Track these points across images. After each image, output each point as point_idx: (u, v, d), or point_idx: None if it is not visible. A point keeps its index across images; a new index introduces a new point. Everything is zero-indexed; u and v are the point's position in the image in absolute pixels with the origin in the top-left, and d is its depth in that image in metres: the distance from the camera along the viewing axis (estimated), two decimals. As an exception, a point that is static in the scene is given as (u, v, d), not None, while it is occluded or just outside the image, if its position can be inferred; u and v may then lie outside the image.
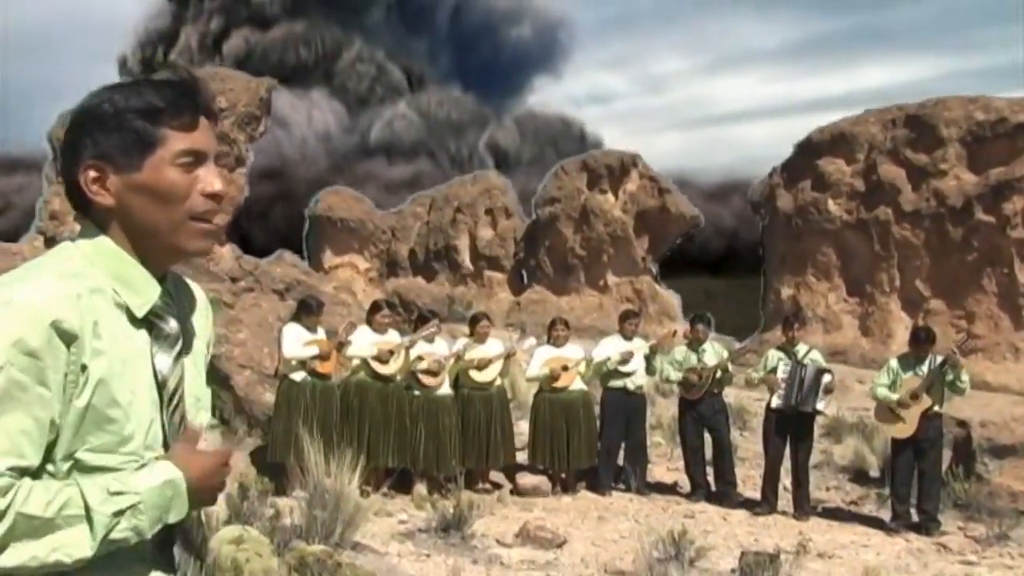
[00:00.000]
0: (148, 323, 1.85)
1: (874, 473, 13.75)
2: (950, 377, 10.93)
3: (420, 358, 11.36)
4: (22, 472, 1.69)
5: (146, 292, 1.84)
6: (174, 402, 1.90)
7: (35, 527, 1.66)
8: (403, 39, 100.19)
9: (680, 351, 12.55)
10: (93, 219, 1.85)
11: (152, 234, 1.84)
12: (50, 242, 27.49)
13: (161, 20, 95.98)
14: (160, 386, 1.87)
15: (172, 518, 1.81)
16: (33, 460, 1.71)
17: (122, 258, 1.83)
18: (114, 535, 1.72)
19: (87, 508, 1.70)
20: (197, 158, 1.86)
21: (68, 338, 1.71)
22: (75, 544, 1.69)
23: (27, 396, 1.69)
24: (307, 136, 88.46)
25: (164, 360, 1.88)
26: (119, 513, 1.73)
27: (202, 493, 1.86)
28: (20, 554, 1.66)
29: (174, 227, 1.84)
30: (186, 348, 1.94)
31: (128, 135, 1.81)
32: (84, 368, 1.75)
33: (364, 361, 11.18)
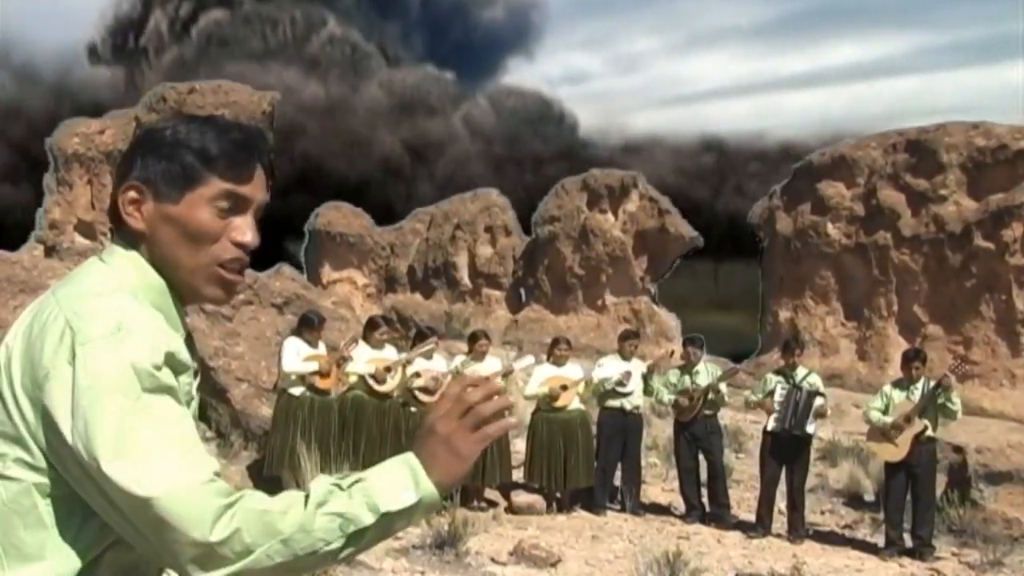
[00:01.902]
0: None
1: (869, 497, 13.76)
2: (941, 400, 10.95)
3: (417, 375, 11.37)
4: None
5: (179, 327, 1.83)
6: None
7: (268, 525, 1.59)
8: (375, 21, 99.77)
9: (674, 373, 12.57)
10: (124, 239, 1.83)
11: (173, 269, 1.81)
12: (49, 251, 27.51)
13: (130, 5, 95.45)
14: None
15: (416, 495, 1.67)
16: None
17: (165, 292, 1.81)
18: (337, 507, 1.62)
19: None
20: (237, 205, 1.82)
21: (181, 369, 1.70)
22: (301, 514, 1.61)
23: (176, 403, 1.67)
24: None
25: (192, 405, 1.84)
26: (336, 486, 1.65)
27: (439, 460, 1.71)
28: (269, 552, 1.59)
29: (195, 268, 1.81)
30: None
31: (176, 167, 1.79)
32: (192, 399, 1.76)
33: (361, 377, 11.19)
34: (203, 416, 13.11)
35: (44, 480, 1.66)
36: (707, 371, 12.45)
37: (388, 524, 1.66)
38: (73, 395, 1.60)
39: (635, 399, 12.33)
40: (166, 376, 1.65)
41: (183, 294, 1.85)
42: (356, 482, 1.65)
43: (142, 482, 1.56)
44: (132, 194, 1.80)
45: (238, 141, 1.83)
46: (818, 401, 11.59)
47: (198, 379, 1.89)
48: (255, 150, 1.85)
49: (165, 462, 1.58)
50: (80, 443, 1.58)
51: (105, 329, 1.64)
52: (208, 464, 1.63)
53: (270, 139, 1.88)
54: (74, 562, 1.66)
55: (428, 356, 11.52)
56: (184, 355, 1.72)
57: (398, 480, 1.68)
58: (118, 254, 1.81)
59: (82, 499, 1.65)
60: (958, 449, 12.91)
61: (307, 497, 1.63)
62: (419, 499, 1.67)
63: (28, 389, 1.65)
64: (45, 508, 1.66)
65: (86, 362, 1.60)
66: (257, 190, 1.86)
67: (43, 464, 1.65)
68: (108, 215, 1.88)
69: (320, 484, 1.65)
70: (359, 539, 1.64)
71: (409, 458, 1.70)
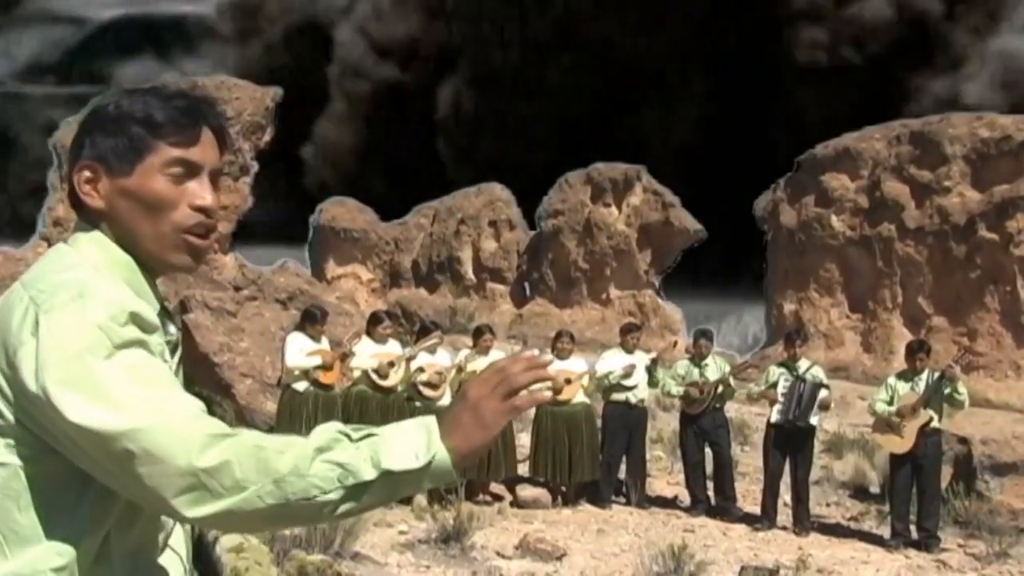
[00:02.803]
0: None
1: (874, 489, 13.74)
2: (948, 390, 10.93)
3: (421, 369, 11.37)
4: None
5: (153, 301, 1.82)
6: None
7: (263, 462, 1.57)
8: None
9: (683, 365, 12.55)
10: (86, 221, 1.84)
11: (137, 242, 1.81)
12: (54, 249, 27.54)
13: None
14: None
15: (424, 462, 1.62)
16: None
17: (132, 267, 1.81)
18: (339, 457, 1.59)
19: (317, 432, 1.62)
20: (189, 170, 1.82)
21: (150, 328, 1.70)
22: (303, 456, 1.58)
23: (150, 355, 1.67)
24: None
25: (168, 366, 1.84)
26: (344, 436, 1.61)
27: (464, 431, 1.66)
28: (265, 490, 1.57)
29: (157, 237, 1.81)
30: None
31: (123, 140, 1.79)
32: (165, 361, 1.75)
33: (365, 373, 11.19)
34: (208, 411, 13.13)
35: (32, 462, 1.66)
36: (716, 364, 12.44)
37: (393, 485, 1.63)
38: (38, 361, 1.60)
39: (640, 392, 12.31)
40: (133, 331, 1.65)
41: (151, 266, 1.84)
42: (367, 436, 1.62)
43: (120, 418, 1.56)
44: (86, 173, 1.81)
45: (182, 107, 1.84)
46: (822, 393, 11.58)
47: (179, 353, 1.89)
48: (200, 114, 1.86)
49: (145, 397, 1.59)
50: (56, 404, 1.58)
51: (67, 297, 1.65)
52: (194, 401, 1.63)
53: (218, 107, 1.88)
54: (74, 541, 1.66)
55: (432, 351, 11.52)
56: (151, 316, 1.71)
57: (410, 440, 1.63)
58: (81, 237, 1.82)
59: (73, 477, 1.65)
60: (963, 440, 12.90)
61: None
62: (428, 462, 1.63)
63: (4, 370, 1.65)
64: (36, 490, 1.66)
65: (50, 329, 1.61)
66: (207, 153, 1.85)
67: (29, 445, 1.65)
68: (68, 200, 1.88)
69: (326, 430, 1.63)
70: (359, 494, 1.61)
71: (428, 420, 1.67)
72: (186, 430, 1.57)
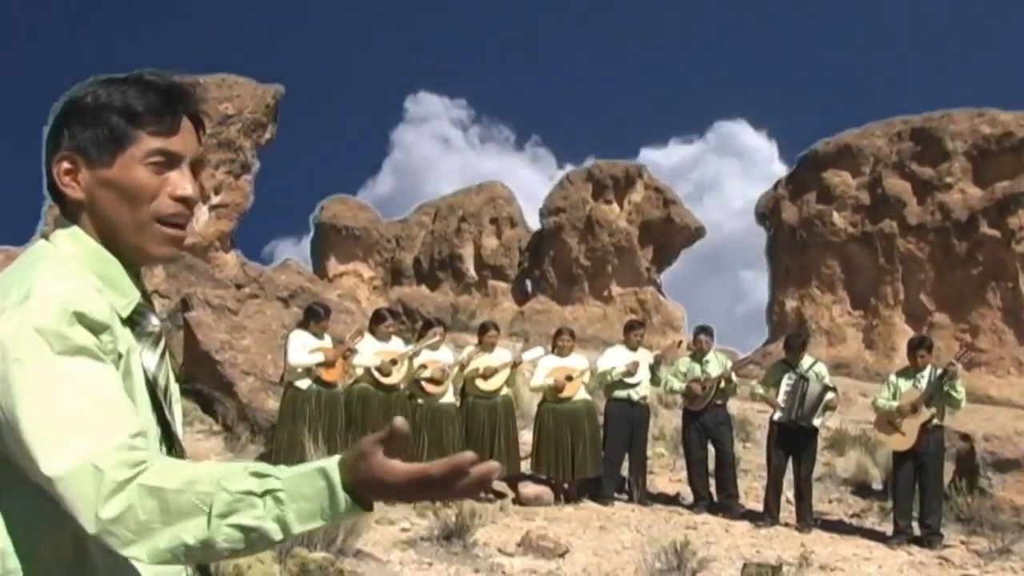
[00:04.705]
0: (131, 322, 1.82)
1: (877, 486, 13.74)
2: (947, 388, 10.92)
3: (424, 366, 11.38)
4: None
5: (129, 292, 1.81)
6: (168, 399, 1.87)
7: (163, 503, 1.54)
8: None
9: (684, 362, 12.56)
10: (66, 213, 1.83)
11: (117, 232, 1.80)
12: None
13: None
14: (152, 384, 1.83)
15: (330, 517, 1.58)
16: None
17: (106, 258, 1.80)
18: (247, 520, 1.54)
19: (218, 482, 1.56)
20: (170, 160, 1.82)
21: (98, 328, 1.67)
22: (196, 526, 1.54)
23: (95, 361, 1.64)
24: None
25: (151, 358, 1.84)
26: (249, 494, 1.55)
27: (374, 495, 1.59)
28: (160, 539, 1.54)
29: (138, 227, 1.80)
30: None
31: (102, 131, 1.79)
32: (120, 357, 1.72)
33: (367, 370, 11.20)
34: (210, 409, 13.14)
35: None
36: (717, 360, 12.44)
37: (304, 533, 1.59)
38: None
39: (642, 389, 12.31)
40: (78, 335, 1.63)
41: (131, 257, 1.84)
42: (269, 492, 1.55)
43: (47, 460, 1.55)
44: (65, 164, 1.80)
45: (162, 94, 1.82)
46: (829, 395, 11.58)
47: (163, 344, 1.87)
48: (179, 101, 1.84)
49: (70, 435, 1.56)
50: None
51: (16, 299, 1.64)
52: (122, 427, 1.60)
53: (196, 90, 1.86)
54: (35, 534, 1.66)
55: (434, 348, 11.53)
56: (100, 315, 1.69)
57: (315, 496, 1.56)
58: (59, 232, 1.82)
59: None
60: (965, 437, 12.88)
61: (217, 480, 1.55)
62: (337, 517, 1.58)
63: None
64: None
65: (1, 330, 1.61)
66: (187, 142, 1.85)
67: None
68: (48, 192, 1.87)
69: (226, 482, 1.56)
70: (269, 545, 1.59)
71: (330, 470, 1.58)
72: (93, 479, 1.53)
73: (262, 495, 1.55)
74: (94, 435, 1.57)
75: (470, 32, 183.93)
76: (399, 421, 1.58)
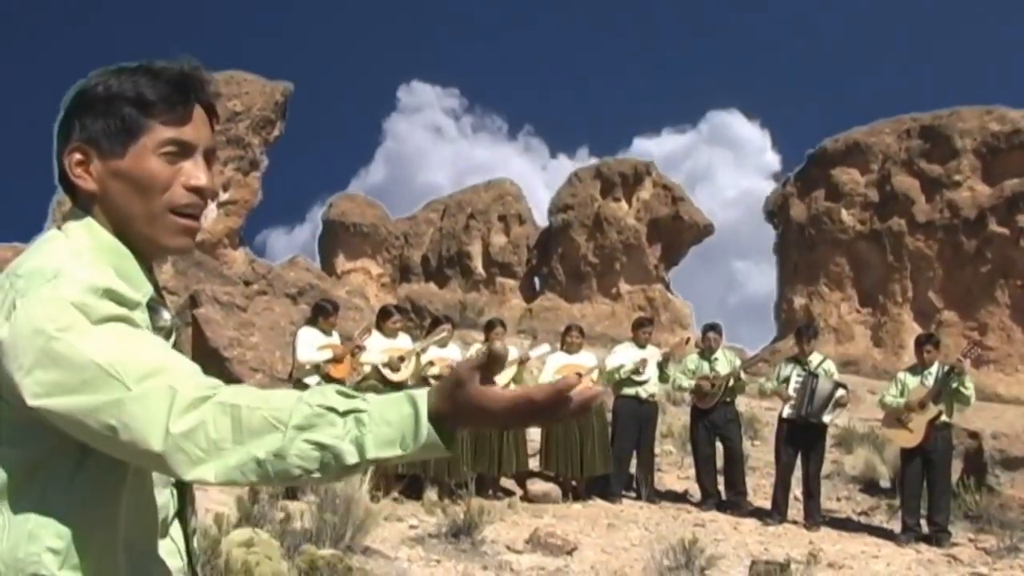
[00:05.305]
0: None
1: (885, 484, 13.74)
2: (955, 385, 10.90)
3: (431, 363, 11.38)
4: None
5: (142, 286, 1.79)
6: None
7: (236, 420, 1.52)
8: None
9: (692, 359, 12.55)
10: (78, 205, 1.81)
11: (130, 223, 1.79)
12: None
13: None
14: None
15: (410, 446, 1.54)
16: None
17: (120, 251, 1.79)
18: (324, 438, 1.52)
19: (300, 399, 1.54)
20: (183, 150, 1.80)
21: (130, 303, 1.67)
22: (269, 441, 1.51)
23: (134, 327, 1.64)
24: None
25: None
26: (330, 410, 1.53)
27: (471, 422, 1.58)
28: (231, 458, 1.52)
29: (151, 218, 1.78)
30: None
31: (114, 121, 1.76)
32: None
33: (375, 367, 11.20)
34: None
35: (16, 445, 1.64)
36: (726, 357, 12.44)
37: (378, 463, 1.56)
38: (13, 344, 1.58)
39: (650, 387, 12.31)
40: (112, 307, 1.62)
41: (145, 250, 1.82)
42: (352, 411, 1.54)
43: (93, 398, 1.54)
44: (77, 156, 1.78)
45: (174, 83, 1.80)
46: (839, 392, 11.56)
47: (174, 339, 1.86)
48: (191, 90, 1.82)
49: (122, 367, 1.55)
50: (27, 388, 1.56)
51: (43, 280, 1.62)
52: (183, 362, 1.61)
53: (207, 77, 1.83)
54: (71, 522, 1.65)
55: (442, 345, 11.53)
56: (129, 294, 1.68)
57: (399, 423, 1.54)
58: (72, 224, 1.80)
59: (68, 455, 1.64)
60: (974, 435, 12.87)
61: (298, 398, 1.55)
62: (416, 449, 1.54)
63: None
64: (28, 471, 1.64)
65: (26, 311, 1.59)
66: (200, 132, 1.83)
67: (16, 426, 1.63)
68: (59, 184, 1.85)
69: (312, 400, 1.55)
70: (341, 472, 1.55)
71: (418, 400, 1.55)
72: (167, 397, 1.53)
73: (344, 414, 1.53)
74: (167, 367, 1.57)
75: (463, 21, 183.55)
76: (498, 344, 1.56)
